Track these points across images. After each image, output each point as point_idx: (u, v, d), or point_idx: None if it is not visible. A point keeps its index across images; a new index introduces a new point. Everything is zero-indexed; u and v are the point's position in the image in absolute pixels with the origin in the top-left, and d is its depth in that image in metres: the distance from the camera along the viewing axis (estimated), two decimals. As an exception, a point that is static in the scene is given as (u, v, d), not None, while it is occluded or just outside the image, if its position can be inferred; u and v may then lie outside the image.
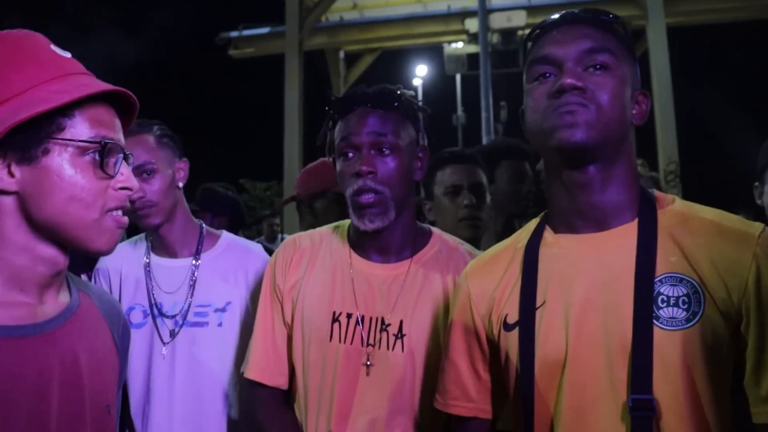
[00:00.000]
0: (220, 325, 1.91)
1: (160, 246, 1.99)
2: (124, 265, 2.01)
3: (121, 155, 1.11)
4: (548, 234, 1.29)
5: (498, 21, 10.78)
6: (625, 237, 1.19)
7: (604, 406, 1.13)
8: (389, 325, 1.58)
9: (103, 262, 2.02)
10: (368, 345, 1.58)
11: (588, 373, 1.15)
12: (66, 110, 1.04)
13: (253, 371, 1.69)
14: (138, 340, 1.90)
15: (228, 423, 1.89)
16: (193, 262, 1.97)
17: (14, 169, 1.04)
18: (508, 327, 1.28)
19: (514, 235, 1.40)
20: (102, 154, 1.06)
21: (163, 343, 1.89)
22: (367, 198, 1.56)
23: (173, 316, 1.92)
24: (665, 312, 1.11)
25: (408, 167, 1.62)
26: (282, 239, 8.91)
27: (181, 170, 1.98)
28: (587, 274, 1.19)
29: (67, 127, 1.05)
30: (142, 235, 2.06)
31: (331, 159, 1.69)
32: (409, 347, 1.56)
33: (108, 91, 1.08)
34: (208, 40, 13.95)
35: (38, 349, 1.05)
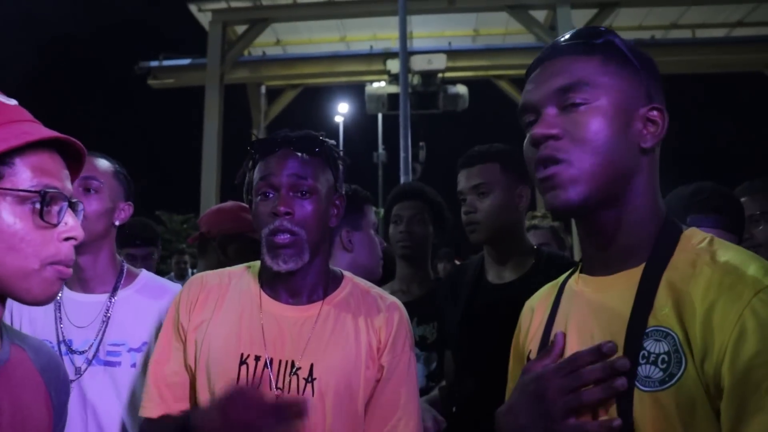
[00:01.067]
0: (133, 365, 1.85)
1: (76, 280, 1.92)
2: None
3: (66, 204, 1.07)
4: (575, 274, 1.24)
5: (419, 63, 11.01)
6: (626, 283, 1.09)
7: None
8: (299, 368, 1.55)
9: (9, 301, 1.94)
10: (277, 389, 1.53)
11: None
12: (5, 158, 1.01)
13: (150, 409, 1.62)
14: None
15: None
16: (109, 298, 1.91)
17: None
18: (529, 361, 1.23)
19: (563, 274, 1.33)
20: (42, 203, 1.03)
21: (70, 381, 1.82)
22: (283, 238, 1.55)
23: (83, 352, 1.85)
24: (642, 370, 1.01)
25: (325, 212, 1.62)
26: (192, 275, 8.74)
27: (123, 211, 1.96)
28: (587, 319, 1.13)
29: (6, 176, 1.02)
30: None
31: (247, 201, 1.68)
32: (320, 391, 1.53)
33: (49, 138, 1.05)
34: (128, 69, 13.67)
35: None
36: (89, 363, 1.83)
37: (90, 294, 1.92)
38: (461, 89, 11.32)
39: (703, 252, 1.06)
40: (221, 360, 1.57)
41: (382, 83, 12.78)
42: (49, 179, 1.05)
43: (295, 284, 1.63)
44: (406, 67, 9.74)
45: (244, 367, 1.55)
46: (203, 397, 1.58)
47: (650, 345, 1.02)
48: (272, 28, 13.46)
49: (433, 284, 2.91)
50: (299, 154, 1.62)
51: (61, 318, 1.88)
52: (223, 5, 12.84)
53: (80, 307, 1.90)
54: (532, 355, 1.23)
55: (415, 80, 11.12)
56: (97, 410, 1.80)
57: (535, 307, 1.33)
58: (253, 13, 12.98)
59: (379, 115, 15.10)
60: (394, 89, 11.40)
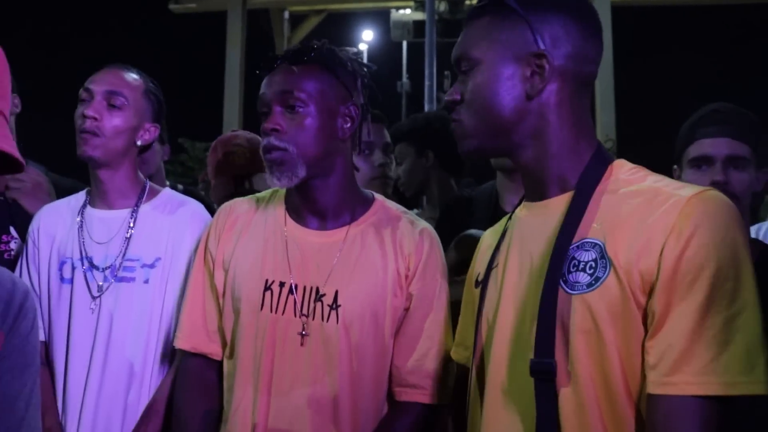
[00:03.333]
0: (146, 281, 1.83)
1: (98, 196, 1.90)
2: (60, 221, 1.92)
3: None
4: (522, 204, 1.32)
5: (446, -11, 10.74)
6: (557, 205, 1.19)
7: (516, 367, 1.15)
8: (324, 295, 1.52)
9: (37, 222, 1.93)
10: (302, 315, 1.52)
11: (507, 335, 1.19)
12: None
13: (182, 340, 1.63)
14: (66, 295, 1.83)
15: (145, 385, 1.82)
16: (131, 214, 1.90)
17: None
18: (476, 284, 1.34)
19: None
20: None
21: (92, 297, 1.82)
22: (272, 156, 1.51)
23: (104, 269, 1.84)
24: (572, 277, 1.10)
25: (326, 124, 1.54)
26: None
27: (148, 132, 1.91)
28: (526, 240, 1.22)
29: None
30: (82, 191, 1.98)
31: None
32: (344, 319, 1.51)
33: None
34: (148, -7, 13.47)
35: None
36: (109, 280, 1.83)
37: (110, 210, 1.90)
38: (489, 17, 11.06)
39: (633, 177, 1.16)
40: (246, 286, 1.56)
41: (408, 10, 12.50)
42: None
43: (315, 204, 1.59)
44: (432, -7, 9.49)
45: (268, 293, 1.54)
46: (227, 325, 1.58)
47: (579, 255, 1.10)
48: (296, -49, 13.14)
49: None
50: (293, 66, 1.55)
51: (83, 234, 1.88)
52: (246, -73, 12.52)
53: (102, 223, 1.88)
54: (480, 278, 1.32)
55: (442, 7, 10.87)
56: (111, 327, 1.80)
57: (487, 239, 1.42)
58: (276, -65, 12.65)
59: (404, 43, 14.82)
60: (420, 16, 11.18)
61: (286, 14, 14.84)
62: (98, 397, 1.78)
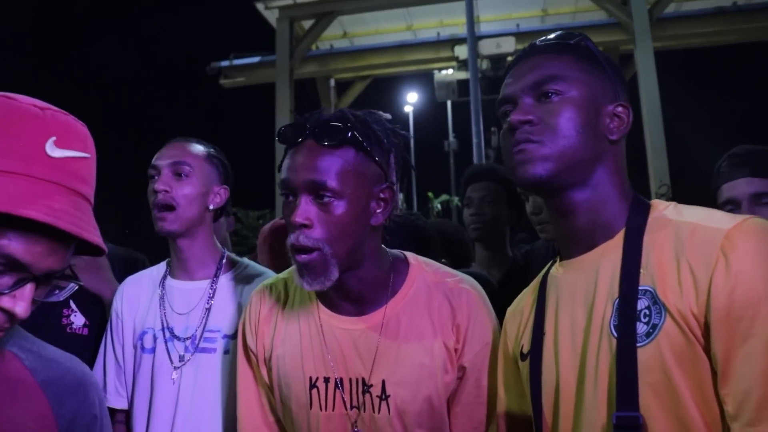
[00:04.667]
0: (227, 352, 1.84)
1: (178, 266, 1.96)
2: (141, 293, 1.97)
3: (28, 281, 0.97)
4: (556, 264, 1.30)
5: (487, 47, 10.86)
6: (607, 252, 1.17)
7: (589, 428, 1.11)
8: (371, 386, 1.42)
9: (120, 294, 2.00)
10: (353, 408, 1.43)
11: (571, 397, 1.15)
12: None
13: None
14: (147, 365, 1.87)
15: None
16: (211, 285, 1.93)
17: None
18: (523, 357, 1.29)
19: (542, 271, 1.38)
20: None
21: (174, 368, 1.85)
22: (303, 258, 1.34)
23: (185, 339, 1.87)
24: None
25: (360, 213, 1.37)
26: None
27: (218, 195, 1.97)
28: (575, 298, 1.19)
29: None
30: (162, 262, 2.04)
31: None
32: (395, 408, 1.41)
33: (37, 220, 0.92)
34: (200, 70, 13.98)
35: None
36: (191, 351, 1.85)
37: (191, 281, 1.94)
38: (532, 72, 11.11)
39: (670, 213, 1.16)
40: (291, 386, 1.49)
41: (450, 70, 12.66)
42: (20, 252, 0.94)
43: (348, 294, 1.45)
44: (474, 53, 9.61)
45: (314, 391, 1.46)
46: (283, 418, 1.54)
47: None
48: (339, 21, 13.49)
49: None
50: (324, 147, 1.35)
51: (164, 305, 1.92)
52: (289, 2, 12.95)
53: (182, 294, 1.93)
54: (525, 349, 1.29)
55: (484, 65, 10.97)
56: (192, 397, 1.82)
57: (522, 309, 1.37)
58: (319, 7, 13.03)
59: (449, 103, 15.01)
60: (463, 75, 11.30)
61: (332, 82, 15.16)
62: None
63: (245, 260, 2.05)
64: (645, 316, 1.06)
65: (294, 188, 1.35)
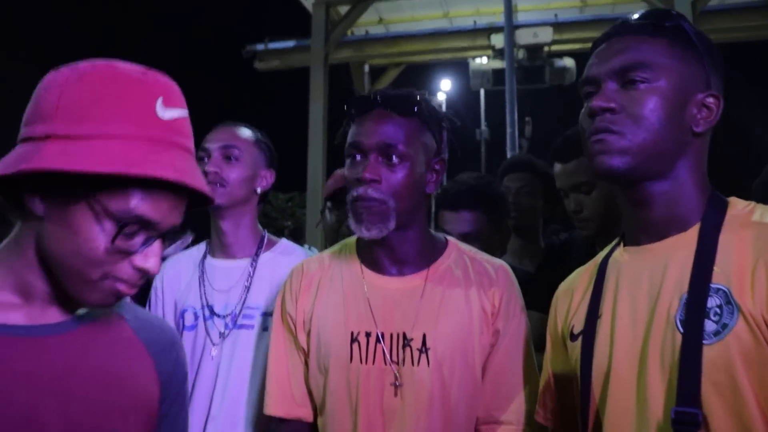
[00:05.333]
0: (266, 329, 1.89)
1: (219, 247, 2.01)
2: (182, 272, 2.01)
3: (155, 238, 1.04)
4: (619, 248, 1.28)
5: (524, 37, 10.73)
6: (677, 247, 1.14)
7: (638, 418, 1.10)
8: (411, 339, 1.50)
9: (160, 273, 2.03)
10: (392, 362, 1.50)
11: (624, 384, 1.14)
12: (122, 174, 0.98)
13: (271, 407, 1.63)
14: (189, 342, 1.92)
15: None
16: (251, 263, 1.95)
17: (44, 200, 1.01)
18: (573, 337, 1.29)
19: (600, 252, 1.38)
20: (118, 231, 1.01)
21: (213, 344, 1.89)
22: (368, 205, 1.48)
23: (224, 317, 1.90)
24: None
25: (419, 179, 1.54)
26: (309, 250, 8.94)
27: (265, 178, 2.02)
28: (639, 285, 1.17)
29: (112, 189, 0.99)
30: (201, 243, 2.08)
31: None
32: (435, 360, 1.48)
33: (172, 182, 1.00)
34: (236, 53, 14.04)
35: (27, 352, 1.02)
36: (230, 327, 1.88)
37: (231, 259, 1.97)
38: (568, 62, 10.96)
39: (749, 213, 1.13)
40: (331, 342, 1.55)
41: (485, 59, 12.55)
42: (149, 211, 1.02)
43: (394, 253, 1.57)
44: (511, 42, 9.54)
45: (356, 345, 1.53)
46: (316, 383, 1.58)
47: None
48: (374, 7, 13.42)
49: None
50: (394, 115, 1.52)
51: (204, 284, 1.95)
52: (326, -14, 12.92)
53: (222, 272, 1.98)
54: (576, 329, 1.28)
55: (520, 54, 10.86)
56: (230, 373, 1.86)
57: (574, 289, 1.35)
58: (355, -8, 13.00)
59: (482, 92, 14.90)
60: (498, 64, 11.19)
61: (366, 68, 15.13)
62: None
63: (284, 240, 2.08)
64: (716, 314, 1.04)
65: (365, 149, 1.51)
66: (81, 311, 1.13)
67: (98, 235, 1.00)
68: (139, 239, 1.03)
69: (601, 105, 1.15)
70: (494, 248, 2.58)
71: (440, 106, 1.67)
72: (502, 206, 2.52)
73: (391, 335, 1.52)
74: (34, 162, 0.95)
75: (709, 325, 1.04)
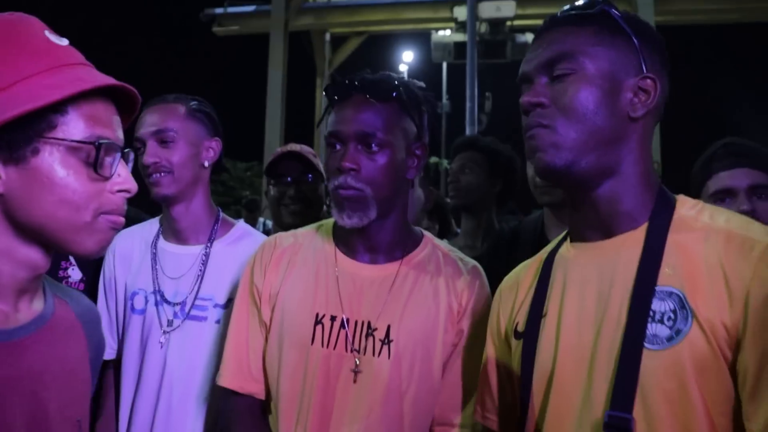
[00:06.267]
0: (218, 322, 1.82)
1: (170, 231, 1.90)
2: (135, 250, 1.93)
3: (119, 154, 1.02)
4: (566, 244, 1.24)
5: (487, 10, 10.72)
6: (628, 245, 1.10)
7: (579, 421, 1.08)
8: (375, 329, 1.47)
9: (112, 247, 1.94)
10: (353, 350, 1.47)
11: (568, 386, 1.11)
12: (58, 106, 0.96)
13: (226, 378, 1.57)
14: (137, 325, 1.84)
15: (207, 426, 1.81)
16: (205, 250, 1.89)
17: (2, 164, 0.95)
18: (517, 335, 1.25)
19: (546, 247, 1.33)
20: (97, 154, 0.98)
21: (162, 332, 1.82)
22: (346, 194, 1.46)
23: (174, 305, 1.84)
24: (649, 329, 1.02)
25: (399, 165, 1.50)
26: (264, 224, 8.85)
27: (211, 149, 1.89)
28: (587, 284, 1.13)
29: (59, 125, 0.96)
30: (155, 219, 1.99)
31: None
32: (396, 354, 1.46)
33: (105, 86, 1.00)
34: (193, 16, 13.76)
35: (4, 357, 0.98)
36: (179, 316, 1.83)
37: (184, 245, 1.90)
38: (530, 38, 10.98)
39: (697, 214, 1.09)
40: (295, 320, 1.52)
41: (448, 31, 12.53)
42: (102, 129, 1.00)
43: (370, 241, 1.54)
44: (473, 15, 9.51)
45: (319, 327, 1.50)
46: (272, 359, 1.55)
47: (655, 304, 1.02)
48: (337, -27, 13.30)
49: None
50: (373, 101, 1.48)
51: (156, 267, 1.89)
52: (287, -49, 12.71)
53: (173, 258, 1.88)
54: (520, 327, 1.24)
55: (483, 28, 10.86)
56: (179, 363, 1.80)
57: (519, 283, 1.32)
58: (318, -42, 12.83)
59: (444, 65, 14.85)
60: (460, 37, 11.19)
61: (327, 36, 15.00)
62: (167, 424, 1.78)
63: (240, 223, 2.00)
64: (669, 319, 1.01)
65: (344, 137, 1.48)
66: (46, 304, 1.09)
67: (72, 176, 0.97)
68: (108, 161, 1.00)
69: (530, 100, 1.12)
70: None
71: (423, 87, 1.63)
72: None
73: (356, 322, 1.49)
74: None
75: (662, 330, 1.01)
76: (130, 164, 1.08)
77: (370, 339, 1.47)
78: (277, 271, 1.59)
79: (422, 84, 1.59)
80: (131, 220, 2.18)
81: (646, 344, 1.01)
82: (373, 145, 1.47)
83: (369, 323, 1.48)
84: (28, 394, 1.00)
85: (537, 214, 2.34)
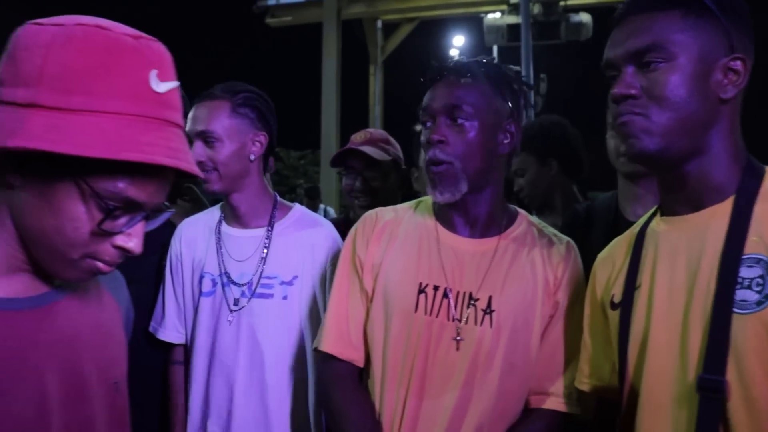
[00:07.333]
0: (284, 298, 1.92)
1: (232, 216, 2.01)
2: (199, 236, 2.03)
3: (140, 217, 0.99)
4: (656, 218, 1.27)
5: (540, -9, 10.54)
6: (715, 218, 1.13)
7: (673, 385, 1.12)
8: (477, 300, 1.53)
9: (179, 235, 2.05)
10: (455, 319, 1.53)
11: (662, 352, 1.15)
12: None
13: (327, 344, 1.65)
14: (207, 307, 1.95)
15: (286, 395, 1.92)
16: (267, 232, 1.97)
17: (24, 174, 0.93)
18: (613, 306, 1.30)
19: (638, 221, 1.37)
20: (106, 216, 0.95)
21: (230, 311, 1.91)
22: (437, 169, 1.53)
23: (241, 285, 1.92)
24: (738, 294, 1.05)
25: (488, 139, 1.55)
26: (325, 210, 8.94)
27: (257, 143, 1.97)
28: (677, 256, 1.17)
29: (100, 172, 0.92)
30: (216, 206, 2.09)
31: None
32: (498, 323, 1.52)
33: (168, 166, 0.93)
34: (246, 8, 13.90)
35: (35, 323, 1.00)
36: (247, 296, 1.91)
37: (246, 229, 1.98)
38: (585, 17, 10.76)
39: None
40: (399, 289, 1.59)
41: (499, 14, 12.37)
42: (136, 192, 0.95)
43: (467, 215, 1.61)
44: (526, -4, 9.36)
45: (422, 296, 1.56)
46: (377, 327, 1.61)
47: (743, 271, 1.05)
48: (388, -40, 13.24)
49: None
50: (461, 80, 1.57)
51: (221, 251, 1.96)
52: (338, -60, 12.71)
53: (238, 241, 1.99)
54: (616, 299, 1.28)
55: (536, 9, 10.67)
56: (251, 340, 1.91)
57: (614, 257, 1.36)
58: (368, -54, 12.79)
59: (495, 48, 14.64)
60: (513, 19, 11.03)
61: (379, 23, 14.97)
62: (246, 397, 1.88)
63: (297, 206, 2.08)
64: (758, 285, 1.04)
65: (433, 112, 1.57)
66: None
67: (83, 217, 0.94)
68: (123, 220, 0.98)
69: (622, 92, 1.15)
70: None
71: (520, 73, 1.70)
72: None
73: (458, 293, 1.55)
74: (20, 138, 0.87)
75: (751, 296, 1.04)
76: (157, 222, 1.06)
77: (472, 309, 1.53)
78: (379, 243, 1.66)
79: (517, 68, 1.67)
80: (195, 202, 2.28)
81: (735, 309, 1.05)
82: (459, 118, 1.54)
83: (471, 294, 1.54)
84: (63, 358, 1.02)
85: (610, 193, 2.31)
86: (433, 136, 1.53)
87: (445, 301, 1.54)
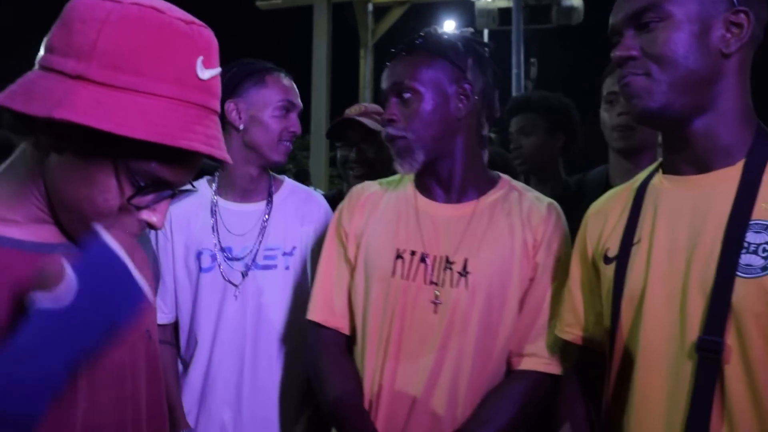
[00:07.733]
0: (287, 268, 1.97)
1: (230, 189, 2.02)
2: (191, 213, 2.02)
3: (167, 194, 1.01)
4: (658, 175, 1.28)
5: (531, -25, 10.54)
6: (724, 181, 1.13)
7: (671, 343, 1.13)
8: (453, 263, 1.57)
9: (169, 213, 2.03)
10: (432, 282, 1.57)
11: (660, 311, 1.16)
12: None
13: (314, 313, 1.72)
14: (208, 283, 1.96)
15: (294, 364, 1.96)
16: (267, 206, 2.01)
17: (68, 142, 0.94)
18: (607, 260, 1.30)
19: (636, 176, 1.38)
20: (136, 193, 0.97)
21: (234, 286, 1.94)
22: (394, 144, 1.62)
23: (242, 259, 1.95)
24: (743, 259, 1.06)
25: (438, 108, 1.59)
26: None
27: (237, 112, 1.97)
28: (679, 215, 1.17)
29: (138, 153, 0.94)
30: (202, 180, 2.07)
31: None
32: (473, 285, 1.55)
33: (205, 153, 0.95)
34: (236, -10, 13.77)
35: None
36: (252, 269, 1.96)
37: (247, 203, 2.02)
38: (576, 2, 10.76)
39: None
40: (377, 255, 1.64)
41: (491, -3, 12.34)
42: (170, 174, 0.98)
43: (440, 180, 1.66)
44: (517, -20, 9.36)
45: (399, 261, 1.61)
46: (359, 292, 1.67)
47: (750, 237, 1.06)
48: (379, -58, 13.15)
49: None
50: (403, 55, 1.64)
51: (218, 226, 1.99)
52: None
53: (237, 216, 2.01)
54: (611, 253, 1.29)
55: (527, -7, 10.67)
56: (258, 313, 1.94)
57: (608, 211, 1.36)
58: (359, -72, 12.69)
59: (485, 32, 14.60)
60: (504, 3, 11.04)
61: (370, 7, 14.89)
62: (255, 368, 1.92)
63: (285, 178, 2.13)
64: (764, 250, 1.05)
65: (386, 93, 1.65)
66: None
67: (114, 191, 0.96)
68: (151, 196, 1.00)
69: (621, 54, 1.17)
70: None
71: (473, 34, 1.74)
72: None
73: (435, 257, 1.59)
74: (66, 110, 0.88)
75: (756, 260, 1.05)
76: (180, 200, 1.08)
77: (448, 272, 1.57)
78: (362, 214, 1.72)
79: (466, 32, 1.70)
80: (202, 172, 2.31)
81: (739, 273, 1.06)
82: (404, 93, 1.61)
83: (447, 257, 1.59)
84: None
85: (601, 167, 2.35)
86: (385, 115, 1.62)
87: (422, 265, 1.59)
